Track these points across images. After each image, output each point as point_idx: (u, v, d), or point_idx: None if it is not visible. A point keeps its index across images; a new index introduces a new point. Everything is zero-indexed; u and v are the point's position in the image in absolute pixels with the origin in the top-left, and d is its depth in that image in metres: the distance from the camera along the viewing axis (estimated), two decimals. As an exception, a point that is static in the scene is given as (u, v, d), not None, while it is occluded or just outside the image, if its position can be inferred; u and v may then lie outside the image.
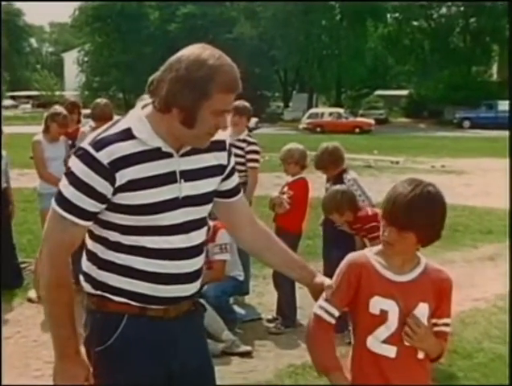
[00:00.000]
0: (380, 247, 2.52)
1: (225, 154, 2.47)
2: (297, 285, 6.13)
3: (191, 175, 2.32)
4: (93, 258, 2.33)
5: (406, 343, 2.40)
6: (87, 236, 2.34)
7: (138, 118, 2.25)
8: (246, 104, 6.71)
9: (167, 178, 2.26)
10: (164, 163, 2.24)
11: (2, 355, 4.41)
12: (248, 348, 5.33)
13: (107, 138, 2.19)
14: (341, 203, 5.23)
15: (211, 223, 5.90)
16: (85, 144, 2.22)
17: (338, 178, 5.67)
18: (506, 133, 39.62)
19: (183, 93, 2.14)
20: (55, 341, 2.29)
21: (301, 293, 5.99)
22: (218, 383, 4.61)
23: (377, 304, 2.41)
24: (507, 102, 46.51)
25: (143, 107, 2.30)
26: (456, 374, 4.88)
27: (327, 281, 2.52)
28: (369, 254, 2.51)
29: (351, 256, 2.52)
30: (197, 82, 2.12)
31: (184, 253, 2.34)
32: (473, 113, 47.46)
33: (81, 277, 2.40)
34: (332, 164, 5.69)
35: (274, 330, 5.83)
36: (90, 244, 2.34)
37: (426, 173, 18.96)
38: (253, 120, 43.93)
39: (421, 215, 2.34)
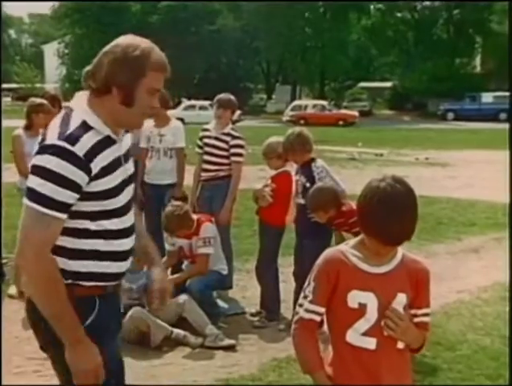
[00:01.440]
0: (356, 240, 2.54)
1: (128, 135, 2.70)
2: (281, 278, 6.17)
3: (126, 158, 2.58)
4: (61, 251, 2.42)
5: (386, 334, 2.42)
6: None
7: (85, 110, 2.42)
8: (231, 97, 6.69)
9: (119, 162, 2.50)
10: (115, 148, 2.47)
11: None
12: (231, 342, 5.34)
13: (75, 133, 2.34)
14: (327, 202, 5.23)
15: (194, 216, 5.91)
16: (56, 140, 2.32)
17: (306, 168, 5.62)
18: (490, 125, 40.00)
19: (121, 72, 2.38)
20: (63, 332, 2.37)
21: (285, 286, 6.03)
22: (201, 377, 4.65)
23: (355, 298, 2.43)
24: (491, 94, 46.87)
25: (76, 101, 2.49)
26: (440, 366, 4.92)
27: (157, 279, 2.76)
28: (345, 248, 2.52)
29: (327, 254, 2.52)
30: (134, 61, 2.38)
31: (131, 230, 2.61)
32: (457, 105, 47.70)
33: None
34: (298, 146, 5.65)
35: (258, 323, 5.84)
36: (58, 240, 2.40)
37: (410, 165, 19.06)
38: (236, 112, 43.87)
39: (374, 218, 2.34)
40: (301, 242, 5.72)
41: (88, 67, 2.47)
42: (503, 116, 45.24)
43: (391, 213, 2.33)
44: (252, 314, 6.10)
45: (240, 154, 6.55)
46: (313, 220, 5.36)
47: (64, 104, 7.71)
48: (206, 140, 6.67)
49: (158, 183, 6.80)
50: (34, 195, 2.32)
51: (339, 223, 5.21)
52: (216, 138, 6.59)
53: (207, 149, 6.65)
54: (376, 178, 2.43)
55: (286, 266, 7.11)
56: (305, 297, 2.53)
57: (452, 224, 10.47)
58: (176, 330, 5.36)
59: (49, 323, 2.39)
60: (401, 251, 2.52)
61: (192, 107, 41.37)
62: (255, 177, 11.55)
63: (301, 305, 2.55)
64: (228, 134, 6.55)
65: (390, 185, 2.36)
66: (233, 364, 4.99)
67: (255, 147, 16.30)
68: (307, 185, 5.48)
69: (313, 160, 5.69)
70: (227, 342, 5.33)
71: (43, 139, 2.38)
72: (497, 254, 8.60)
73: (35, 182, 2.32)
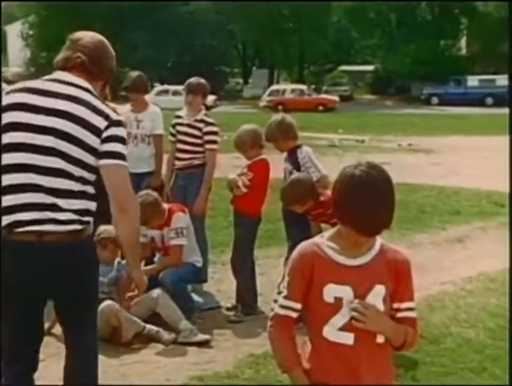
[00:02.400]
0: (332, 231, 2.54)
1: None
2: (257, 270, 6.18)
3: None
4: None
5: (355, 325, 2.42)
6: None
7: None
8: (201, 80, 6.66)
9: None
10: None
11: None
12: (206, 337, 5.34)
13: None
14: (303, 194, 5.27)
15: (166, 206, 5.88)
16: (118, 116, 3.29)
17: (293, 155, 5.73)
18: (476, 110, 40.30)
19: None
20: (137, 256, 3.55)
21: (261, 279, 6.04)
22: (173, 375, 4.65)
23: (331, 292, 2.43)
24: (476, 77, 47.20)
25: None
26: (422, 359, 4.96)
27: None
28: (321, 241, 2.51)
29: (301, 247, 2.52)
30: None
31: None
32: (442, 89, 47.99)
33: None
34: (281, 134, 5.74)
35: (234, 318, 5.85)
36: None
37: (392, 152, 19.16)
38: (211, 97, 43.73)
39: (350, 207, 2.35)
40: (288, 232, 5.80)
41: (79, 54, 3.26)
42: (489, 100, 45.64)
43: (368, 201, 2.33)
44: (228, 309, 6.11)
45: (214, 141, 6.54)
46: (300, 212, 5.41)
47: None
48: (179, 127, 6.65)
49: (135, 172, 6.74)
50: (122, 157, 3.23)
51: (317, 213, 5.24)
52: (189, 125, 6.57)
53: (180, 137, 6.63)
54: (350, 165, 2.44)
55: (262, 258, 7.14)
56: (280, 292, 2.53)
57: (436, 213, 10.55)
58: (149, 326, 5.35)
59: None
60: (379, 241, 2.52)
61: (165, 92, 41.18)
62: (230, 165, 11.51)
63: (276, 302, 2.55)
64: (201, 121, 6.52)
65: (366, 172, 2.37)
66: (207, 361, 4.99)
67: (231, 134, 16.24)
68: (294, 172, 5.58)
69: (299, 147, 5.75)
70: (201, 337, 5.33)
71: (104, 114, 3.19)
72: (482, 244, 8.70)
73: (120, 147, 3.22)
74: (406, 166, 15.78)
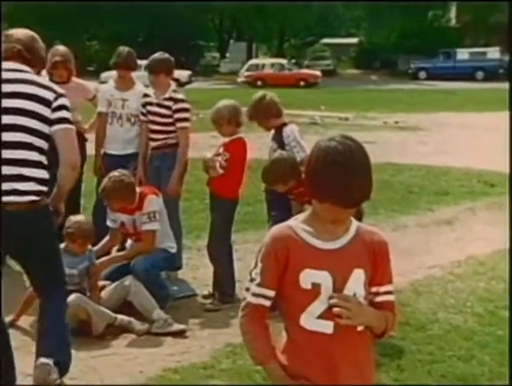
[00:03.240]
0: (305, 214, 2.53)
1: None
2: (235, 256, 6.20)
3: None
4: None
5: (342, 323, 2.40)
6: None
7: None
8: (162, 57, 6.55)
9: None
10: None
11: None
12: (181, 327, 5.36)
13: None
14: (285, 173, 5.30)
15: (137, 189, 5.88)
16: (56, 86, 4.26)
17: (278, 133, 5.80)
18: (466, 85, 40.47)
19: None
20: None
21: (239, 265, 6.07)
22: (147, 367, 4.67)
23: (308, 277, 2.43)
24: (467, 50, 47.39)
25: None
26: (408, 347, 5.03)
27: None
28: (294, 223, 2.51)
29: (274, 230, 2.52)
30: None
31: None
32: (430, 63, 48.16)
33: None
34: (264, 113, 5.80)
35: (211, 306, 5.87)
36: None
37: (378, 130, 19.23)
38: (186, 73, 43.54)
39: (329, 180, 2.35)
40: (270, 214, 5.84)
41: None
42: (480, 75, 45.87)
43: (347, 172, 2.34)
44: (204, 296, 6.13)
45: (185, 119, 6.52)
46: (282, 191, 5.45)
47: None
48: (149, 107, 6.62)
49: (120, 153, 6.75)
50: (70, 122, 4.12)
51: (299, 192, 5.26)
52: (159, 105, 6.54)
53: (151, 117, 6.61)
54: (323, 138, 2.45)
55: (240, 243, 7.17)
56: (252, 280, 2.51)
57: (424, 194, 10.63)
58: (120, 317, 5.35)
59: None
60: (355, 223, 2.53)
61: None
62: (206, 145, 11.48)
63: (248, 290, 2.53)
64: (170, 99, 6.49)
65: (341, 143, 2.38)
66: (182, 352, 5.01)
67: (207, 112, 16.17)
68: (278, 151, 5.62)
69: (285, 125, 5.82)
70: (176, 327, 5.34)
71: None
72: (471, 226, 8.79)
73: (67, 114, 4.10)
74: (392, 144, 15.87)
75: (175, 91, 6.55)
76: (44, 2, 48.02)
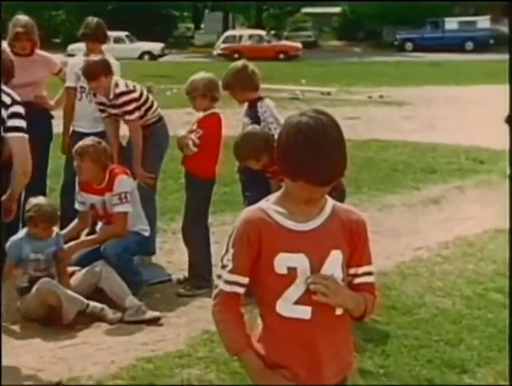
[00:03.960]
0: (277, 194, 2.54)
1: None
2: (212, 239, 6.21)
3: None
4: None
5: (316, 299, 2.42)
6: None
7: None
8: (95, 60, 6.39)
9: None
10: None
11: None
12: (156, 314, 5.37)
13: None
14: (257, 148, 5.30)
15: (110, 167, 5.84)
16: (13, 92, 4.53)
17: (252, 108, 5.77)
18: (454, 56, 40.60)
19: None
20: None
21: (216, 248, 6.07)
22: (119, 357, 4.69)
23: (283, 262, 2.44)
24: (455, 19, 47.46)
25: None
26: (394, 332, 5.08)
27: None
28: (266, 205, 2.51)
29: (245, 213, 2.51)
30: None
31: None
32: (416, 34, 48.18)
33: None
34: (242, 85, 5.77)
35: (186, 292, 5.89)
36: None
37: (362, 105, 19.29)
38: (158, 45, 43.30)
39: (302, 157, 2.35)
40: (245, 195, 5.86)
41: None
42: (470, 45, 46.00)
43: (320, 148, 2.35)
44: (179, 282, 6.15)
45: (130, 112, 6.39)
46: (256, 169, 5.46)
47: None
48: (102, 107, 6.52)
49: (90, 131, 6.68)
50: (25, 131, 4.50)
51: (275, 170, 5.26)
52: (112, 106, 6.44)
53: (113, 116, 6.55)
54: (294, 114, 2.45)
55: (217, 225, 7.18)
56: (224, 266, 2.50)
57: (410, 172, 10.68)
58: (93, 303, 5.34)
59: None
60: (331, 202, 2.54)
61: (106, 39, 40.64)
62: (181, 121, 11.46)
63: (220, 277, 2.52)
64: (116, 97, 6.36)
65: (313, 117, 2.38)
66: (157, 340, 5.03)
67: (181, 87, 16.14)
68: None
69: (260, 99, 5.78)
70: (150, 314, 5.35)
71: None
72: (459, 205, 8.86)
73: (23, 122, 4.53)
74: (376, 120, 15.91)
75: (116, 85, 6.41)
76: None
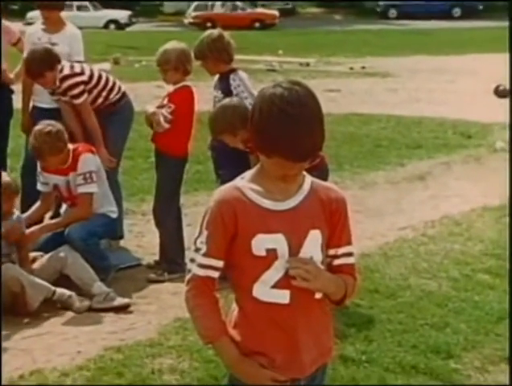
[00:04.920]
0: (252, 171, 2.54)
1: None
2: (185, 221, 6.23)
3: None
4: None
5: (296, 284, 2.43)
6: None
7: None
8: (37, 56, 6.30)
9: None
10: None
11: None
12: (125, 301, 5.38)
13: None
14: (234, 121, 5.29)
15: (70, 146, 5.83)
16: None
17: (224, 80, 5.78)
18: (441, 24, 40.66)
19: None
20: None
21: (189, 230, 6.08)
22: (86, 347, 4.70)
23: (261, 243, 2.44)
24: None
25: None
26: (377, 316, 5.12)
27: None
28: (241, 183, 2.51)
29: (219, 193, 2.51)
30: None
31: None
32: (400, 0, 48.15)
33: None
34: (213, 53, 5.75)
35: (156, 277, 5.91)
36: None
37: (343, 76, 19.30)
38: (125, 13, 42.97)
39: (277, 131, 2.35)
40: (217, 173, 5.88)
41: None
42: (457, 12, 46.07)
43: (296, 121, 2.34)
44: (150, 266, 6.16)
45: (77, 96, 6.34)
46: (232, 146, 5.46)
47: None
48: (56, 97, 6.48)
49: (51, 107, 6.64)
50: None
51: (252, 146, 5.28)
52: (63, 94, 6.40)
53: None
54: (268, 85, 2.44)
55: (190, 206, 7.19)
56: (197, 249, 2.50)
57: (394, 147, 10.75)
58: (60, 290, 5.32)
59: None
60: (309, 179, 2.55)
61: (69, 7, 40.23)
62: (151, 96, 11.46)
63: (193, 261, 2.52)
64: (61, 81, 6.32)
65: (287, 89, 2.38)
66: (126, 329, 5.04)
67: (150, 58, 16.08)
68: None
69: (233, 71, 5.78)
70: (119, 301, 5.36)
71: None
72: (446, 182, 8.94)
73: None
74: (358, 92, 15.93)
75: (61, 70, 6.34)
76: None
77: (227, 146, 5.52)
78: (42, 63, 6.16)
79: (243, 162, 5.41)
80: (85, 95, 6.33)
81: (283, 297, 2.47)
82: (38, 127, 5.70)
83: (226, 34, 5.97)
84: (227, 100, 5.51)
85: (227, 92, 5.72)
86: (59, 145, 5.66)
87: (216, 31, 5.97)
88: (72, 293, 5.35)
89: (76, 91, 6.30)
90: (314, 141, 2.39)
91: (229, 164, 5.53)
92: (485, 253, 6.36)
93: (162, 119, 5.79)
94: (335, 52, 25.43)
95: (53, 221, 6.01)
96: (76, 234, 5.62)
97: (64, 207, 6.05)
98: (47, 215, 6.25)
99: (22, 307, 5.21)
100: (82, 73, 6.37)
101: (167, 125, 5.80)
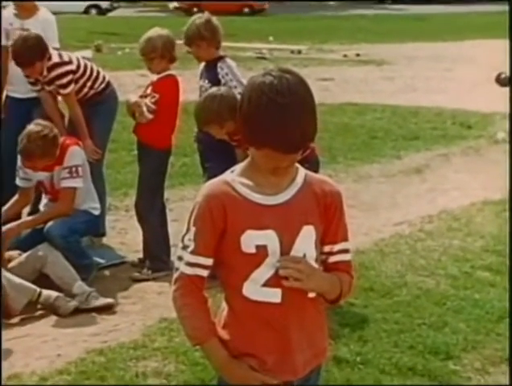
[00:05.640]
0: (243, 165, 2.53)
1: None
2: (170, 216, 6.22)
3: None
4: None
5: (288, 285, 2.43)
6: None
7: None
8: (28, 43, 6.27)
9: None
10: None
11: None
12: (108, 301, 5.37)
13: None
14: (220, 112, 5.29)
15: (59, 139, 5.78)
16: None
17: (211, 69, 5.76)
18: (440, 8, 40.71)
19: None
20: None
21: (175, 226, 6.08)
22: (66, 349, 4.68)
23: (250, 240, 2.44)
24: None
25: None
26: (372, 316, 5.13)
27: None
28: (231, 177, 2.51)
29: (208, 187, 2.51)
30: None
31: None
32: (397, -16, 48.16)
33: None
34: (206, 36, 5.73)
35: (141, 276, 5.90)
36: None
37: (336, 64, 19.29)
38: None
39: (267, 121, 2.34)
40: (204, 166, 5.88)
41: None
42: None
43: (286, 111, 2.34)
44: (133, 264, 6.16)
45: (65, 85, 6.33)
46: (218, 138, 5.46)
47: None
48: (38, 87, 6.47)
49: (25, 97, 6.61)
50: None
51: (239, 139, 5.27)
52: (49, 83, 6.37)
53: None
54: (257, 74, 2.44)
55: (176, 200, 7.19)
56: (185, 247, 2.51)
57: (389, 138, 10.75)
58: (46, 292, 5.28)
59: None
60: (302, 172, 2.54)
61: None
62: (134, 85, 11.44)
63: (180, 259, 2.52)
64: (50, 69, 6.30)
65: (278, 77, 2.38)
66: (109, 330, 5.03)
67: (133, 46, 16.04)
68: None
69: (221, 59, 5.77)
70: (102, 301, 5.35)
71: None
72: (444, 175, 8.94)
73: None
74: (352, 81, 15.93)
75: (49, 58, 6.31)
76: None
77: (213, 138, 5.51)
78: (34, 52, 6.15)
79: (231, 155, 5.42)
80: (73, 85, 6.33)
81: (275, 295, 2.47)
82: (34, 128, 5.62)
83: (214, 18, 5.96)
84: (214, 89, 5.49)
85: (214, 81, 5.71)
86: (52, 151, 5.64)
87: (205, 14, 5.97)
88: (60, 295, 5.30)
89: (64, 80, 6.29)
90: (305, 131, 2.38)
91: (215, 157, 5.54)
92: (485, 249, 6.37)
93: (145, 109, 5.77)
94: (328, 39, 25.41)
95: (32, 217, 5.98)
96: (57, 231, 5.60)
97: (43, 201, 6.02)
98: (26, 211, 6.22)
99: (5, 311, 5.17)
100: (70, 62, 6.37)
101: (150, 116, 5.78)
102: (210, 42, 5.81)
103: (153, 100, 5.82)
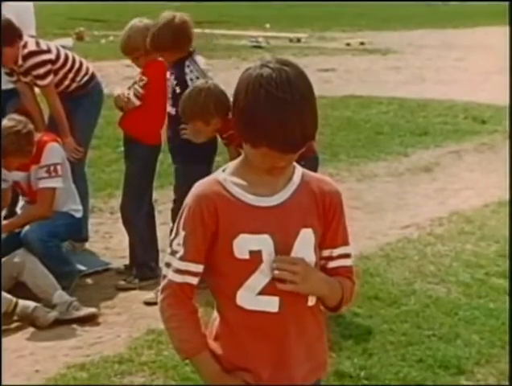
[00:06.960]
0: (235, 163, 2.53)
1: None
2: (158, 219, 6.21)
3: None
4: None
5: (281, 287, 2.43)
6: None
7: None
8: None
9: None
10: None
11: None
12: (91, 311, 5.36)
13: None
14: (206, 106, 5.28)
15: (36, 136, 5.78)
16: None
17: (178, 66, 5.65)
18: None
19: None
20: None
21: (164, 230, 6.08)
22: (45, 365, 4.68)
23: (244, 244, 2.44)
24: None
25: None
26: (378, 327, 5.12)
27: None
28: (223, 176, 2.50)
29: (198, 187, 2.50)
30: None
31: None
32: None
33: None
34: (174, 45, 5.64)
35: (127, 284, 5.90)
36: None
37: (338, 54, 19.31)
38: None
39: (263, 118, 2.34)
40: (174, 167, 5.86)
41: None
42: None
43: (286, 105, 2.34)
44: (119, 272, 6.15)
45: (42, 76, 6.31)
46: (183, 137, 5.45)
47: None
48: (14, 78, 6.47)
49: (5, 88, 6.59)
50: None
51: (231, 135, 5.27)
52: (25, 74, 6.37)
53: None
54: (253, 65, 2.42)
55: (165, 202, 7.17)
56: (173, 252, 2.51)
57: (396, 134, 10.77)
58: (23, 302, 5.27)
59: None
60: (299, 171, 2.54)
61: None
62: (120, 76, 11.44)
63: (169, 265, 2.52)
64: (26, 58, 6.30)
65: (276, 69, 2.37)
66: (92, 343, 5.02)
67: (118, 33, 16.00)
68: (178, 90, 5.54)
69: (189, 56, 5.71)
70: (84, 312, 5.34)
71: None
72: (456, 173, 8.96)
73: None
74: (356, 72, 15.95)
75: (25, 46, 6.33)
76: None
77: (181, 138, 5.50)
78: (2, 39, 6.11)
79: (199, 158, 5.42)
80: (51, 76, 6.32)
81: (272, 304, 2.47)
82: (6, 124, 5.62)
83: (183, 15, 5.80)
84: (201, 82, 5.45)
85: (181, 80, 5.61)
86: (27, 149, 5.62)
87: (178, 17, 5.71)
88: (38, 305, 5.27)
89: (41, 70, 6.28)
90: (306, 130, 2.38)
91: (183, 157, 5.52)
92: (500, 255, 6.36)
93: (132, 94, 5.76)
94: (329, 26, 25.46)
95: (8, 221, 5.97)
96: (35, 235, 5.59)
97: (20, 203, 6.01)
98: (1, 214, 6.22)
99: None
100: (49, 51, 6.36)
101: (137, 102, 5.77)
102: (172, 47, 5.63)
103: (141, 83, 5.79)
